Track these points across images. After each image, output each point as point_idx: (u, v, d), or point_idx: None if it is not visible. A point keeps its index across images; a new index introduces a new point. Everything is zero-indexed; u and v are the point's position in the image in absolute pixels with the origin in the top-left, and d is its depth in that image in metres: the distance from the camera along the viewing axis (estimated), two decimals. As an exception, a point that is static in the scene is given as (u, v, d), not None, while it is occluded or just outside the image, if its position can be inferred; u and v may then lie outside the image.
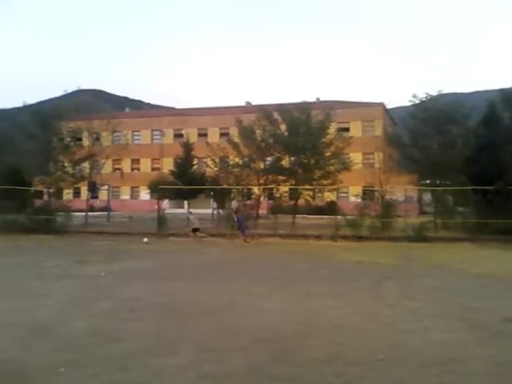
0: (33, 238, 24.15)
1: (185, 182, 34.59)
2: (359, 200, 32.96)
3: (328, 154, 30.75)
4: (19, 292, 10.81)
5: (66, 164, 32.71)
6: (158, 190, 33.14)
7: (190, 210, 28.48)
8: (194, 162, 39.47)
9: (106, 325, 7.93)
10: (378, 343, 7.00)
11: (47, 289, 11.23)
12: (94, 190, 39.61)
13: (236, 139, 33.62)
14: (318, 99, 57.68)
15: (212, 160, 34.49)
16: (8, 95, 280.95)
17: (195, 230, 24.54)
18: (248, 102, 69.60)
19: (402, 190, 30.18)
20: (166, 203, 39.61)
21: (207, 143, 36.69)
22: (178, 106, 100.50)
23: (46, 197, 34.02)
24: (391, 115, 62.90)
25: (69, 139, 32.94)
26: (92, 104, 54.12)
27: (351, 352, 6.57)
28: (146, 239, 22.99)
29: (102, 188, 42.23)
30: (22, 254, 18.54)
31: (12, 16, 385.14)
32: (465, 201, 26.09)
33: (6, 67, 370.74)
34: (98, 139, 36.84)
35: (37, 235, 25.23)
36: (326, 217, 30.92)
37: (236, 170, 32.75)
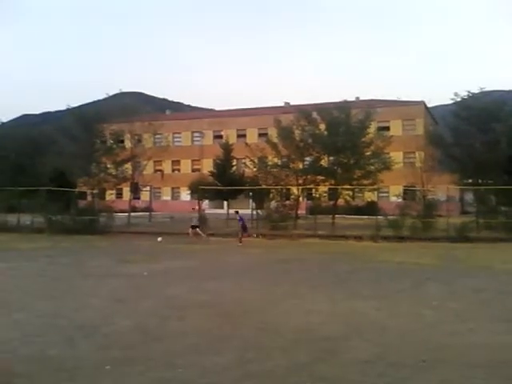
0: (77, 239, 24.68)
1: (224, 183, 34.92)
2: (400, 200, 32.57)
3: (368, 153, 30.47)
4: (65, 292, 11.09)
5: (108, 165, 33.35)
6: (199, 190, 33.46)
7: (195, 209, 28.69)
8: (234, 163, 39.78)
9: (150, 323, 8.07)
10: (422, 344, 6.94)
11: (92, 288, 11.51)
12: (136, 190, 40.34)
13: (275, 139, 33.63)
14: (357, 98, 57.26)
15: (251, 160, 34.62)
16: (52, 98, 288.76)
17: (194, 227, 25.28)
18: (286, 103, 69.62)
19: (443, 189, 29.69)
20: (205, 204, 40.01)
21: (246, 144, 36.86)
22: (217, 108, 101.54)
23: (89, 198, 34.79)
24: (432, 114, 61.90)
25: (111, 141, 33.60)
26: (133, 106, 55.05)
27: (394, 353, 6.54)
28: (159, 238, 23.84)
29: (144, 189, 42.97)
30: (67, 255, 18.97)
31: (55, 21, 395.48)
32: (508, 200, 25.47)
33: (50, 71, 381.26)
34: (139, 141, 37.45)
35: (81, 235, 25.81)
36: (366, 217, 30.67)
37: (275, 170, 32.77)
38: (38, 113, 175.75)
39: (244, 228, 23.84)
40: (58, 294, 10.83)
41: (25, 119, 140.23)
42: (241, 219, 24.10)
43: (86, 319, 8.37)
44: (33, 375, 5.71)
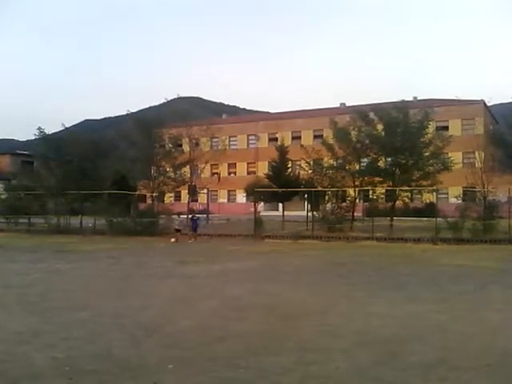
0: (137, 240, 25.30)
1: (279, 185, 34.90)
2: (460, 201, 31.70)
3: (427, 153, 29.79)
4: (128, 292, 11.37)
5: (167, 169, 34.00)
6: (254, 192, 33.64)
7: (179, 215, 28.99)
8: (289, 165, 39.71)
9: (210, 323, 8.17)
10: (485, 349, 6.77)
11: (154, 288, 11.77)
12: (193, 193, 40.90)
13: (330, 141, 33.35)
14: (415, 98, 56.25)
15: (306, 162, 34.45)
16: (112, 104, 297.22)
17: (177, 231, 26.17)
18: (342, 103, 69.16)
19: (505, 190, 28.66)
20: (261, 206, 40.12)
21: (301, 146, 36.72)
22: (272, 111, 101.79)
23: (149, 200, 35.57)
24: (492, 112, 60.08)
25: (170, 145, 34.21)
26: (191, 111, 55.89)
27: (456, 357, 6.40)
28: (173, 239, 25.10)
29: (201, 192, 43.57)
30: (129, 256, 19.48)
31: (115, 27, 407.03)
32: None
33: (110, 76, 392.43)
34: (197, 145, 38.00)
35: (141, 237, 26.46)
36: (424, 219, 30.02)
37: (330, 171, 32.50)
38: (99, 118, 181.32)
39: (194, 228, 26.37)
40: (120, 294, 11.13)
41: (86, 124, 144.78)
42: (195, 220, 26.55)
43: (148, 319, 8.56)
44: (99, 373, 5.87)
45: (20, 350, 6.76)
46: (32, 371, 5.92)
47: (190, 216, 27.32)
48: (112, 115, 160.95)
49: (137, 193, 35.11)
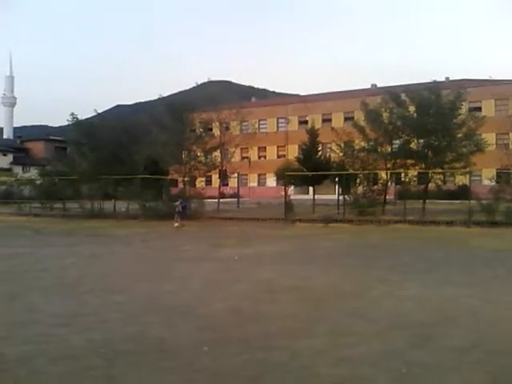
0: (169, 224, 25.55)
1: (310, 168, 34.73)
2: (493, 183, 31.07)
3: (460, 135, 29.24)
4: (162, 275, 11.56)
5: (198, 153, 34.13)
6: (285, 176, 33.60)
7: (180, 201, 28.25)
8: (319, 148, 39.46)
9: (244, 306, 8.26)
10: (520, 333, 6.70)
11: (187, 271, 11.93)
12: (224, 177, 41.06)
13: (362, 123, 32.98)
14: (447, 78, 55.15)
15: (337, 145, 34.16)
16: (143, 89, 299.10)
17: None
18: (373, 85, 68.28)
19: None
20: (291, 189, 40.07)
21: (332, 128, 36.40)
22: (301, 93, 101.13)
23: (180, 185, 35.85)
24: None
25: (201, 130, 34.33)
26: (220, 94, 55.88)
27: (491, 341, 6.36)
28: (176, 224, 24.81)
29: (232, 176, 43.64)
30: (162, 239, 19.82)
31: (144, 13, 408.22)
32: None
33: (140, 62, 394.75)
34: (227, 129, 38.03)
35: (173, 221, 26.75)
36: (457, 202, 29.57)
37: (362, 154, 32.16)
38: (130, 103, 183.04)
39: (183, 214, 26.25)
40: (154, 276, 11.30)
41: (118, 110, 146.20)
42: (183, 205, 26.54)
43: (182, 301, 8.70)
44: (135, 354, 6.00)
45: (58, 331, 6.93)
46: (70, 352, 6.08)
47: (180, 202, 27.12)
48: (143, 100, 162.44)
49: (169, 177, 35.41)
